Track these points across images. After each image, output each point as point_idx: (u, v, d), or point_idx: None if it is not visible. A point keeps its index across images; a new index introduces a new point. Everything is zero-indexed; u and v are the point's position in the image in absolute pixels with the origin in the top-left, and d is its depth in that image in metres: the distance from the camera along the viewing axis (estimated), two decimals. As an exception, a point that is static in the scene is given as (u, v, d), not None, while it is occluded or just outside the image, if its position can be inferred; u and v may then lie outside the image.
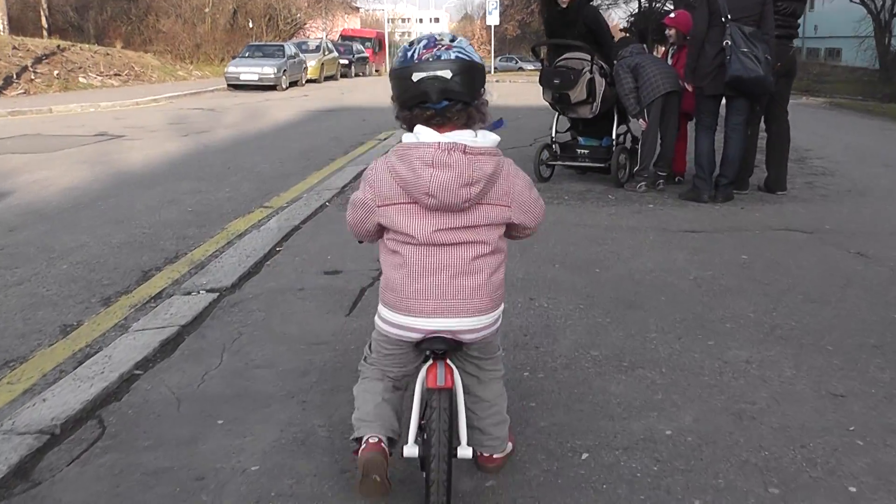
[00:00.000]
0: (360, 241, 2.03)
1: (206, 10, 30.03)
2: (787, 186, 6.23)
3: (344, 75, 28.84)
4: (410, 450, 1.84)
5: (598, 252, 4.42)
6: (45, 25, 26.91)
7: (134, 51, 25.07)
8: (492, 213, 1.81)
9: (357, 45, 33.82)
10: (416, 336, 1.85)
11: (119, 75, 20.80)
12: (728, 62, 5.32)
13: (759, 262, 4.23)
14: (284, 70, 21.06)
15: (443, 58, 1.74)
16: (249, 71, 20.36)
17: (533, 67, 35.42)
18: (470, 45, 1.84)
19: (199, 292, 3.70)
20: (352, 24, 49.35)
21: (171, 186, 6.64)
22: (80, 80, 18.99)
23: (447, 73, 1.73)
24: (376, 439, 1.89)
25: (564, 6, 6.35)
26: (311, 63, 24.36)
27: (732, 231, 4.95)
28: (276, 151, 8.87)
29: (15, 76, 17.01)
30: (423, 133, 1.77)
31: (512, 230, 1.92)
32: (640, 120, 6.09)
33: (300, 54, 23.53)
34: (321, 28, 41.09)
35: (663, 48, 7.18)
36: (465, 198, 1.75)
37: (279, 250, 4.45)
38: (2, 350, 3.20)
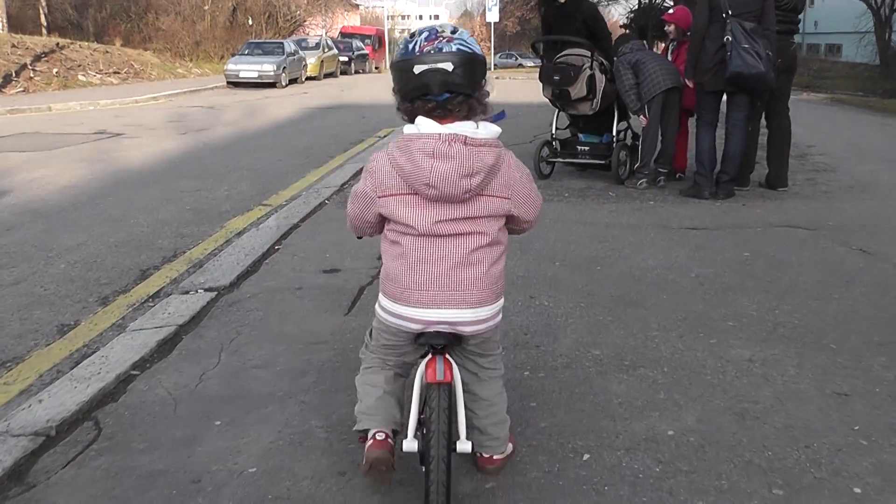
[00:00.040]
0: (359, 237, 2.03)
1: (206, 7, 29.98)
2: (789, 183, 6.20)
3: (344, 72, 28.80)
4: (410, 444, 1.84)
5: (599, 249, 4.39)
6: (45, 23, 26.88)
7: (133, 48, 25.02)
8: (492, 204, 1.81)
9: (357, 43, 33.73)
10: (415, 327, 1.85)
11: (118, 73, 20.76)
12: (729, 58, 5.29)
13: (760, 260, 4.20)
14: (284, 67, 21.02)
15: (444, 50, 1.74)
16: (249, 68, 20.32)
17: (533, 64, 35.40)
18: (471, 36, 1.83)
19: (197, 291, 3.68)
20: (351, 21, 49.27)
21: (170, 185, 6.62)
22: (80, 78, 18.95)
23: (448, 66, 1.73)
24: (383, 436, 1.92)
25: (563, 1, 6.31)
26: (311, 60, 24.31)
27: (734, 228, 4.92)
28: (276, 149, 8.84)
29: (14, 74, 16.98)
30: (424, 124, 1.77)
31: (509, 223, 1.91)
32: (641, 116, 6.06)
33: (300, 51, 23.48)
34: (321, 25, 41.00)
35: (663, 45, 7.14)
36: (465, 188, 1.75)
37: (278, 249, 4.42)
38: (-2, 350, 3.18)
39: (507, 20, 49.31)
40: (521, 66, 41.52)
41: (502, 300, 1.92)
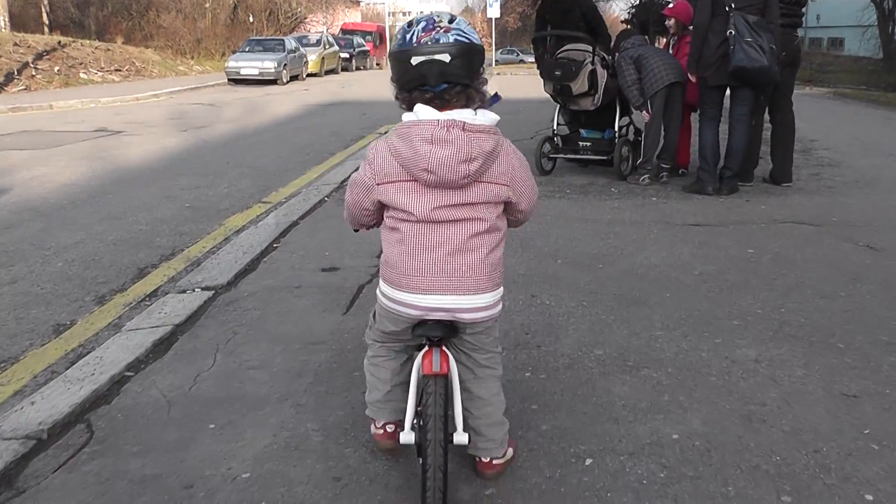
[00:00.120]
0: (356, 230, 2.04)
1: (207, 5, 29.94)
2: (793, 178, 6.13)
3: (345, 69, 28.81)
4: (407, 436, 1.85)
5: (601, 247, 4.33)
6: (47, 22, 26.88)
7: (135, 46, 25.02)
8: (490, 191, 1.81)
9: (358, 39, 33.76)
10: (415, 313, 1.85)
11: (120, 71, 20.75)
12: (732, 52, 5.22)
13: (765, 256, 4.14)
14: (285, 64, 21.00)
15: (441, 41, 1.74)
16: (250, 65, 20.31)
17: (534, 60, 35.24)
18: (468, 24, 1.82)
19: (194, 290, 3.63)
20: (352, 17, 49.16)
21: (169, 182, 6.58)
22: (81, 76, 18.93)
23: (446, 57, 1.73)
24: (392, 427, 2.08)
25: None
26: (312, 57, 24.30)
27: (738, 224, 4.86)
28: (276, 146, 8.80)
29: (16, 72, 16.98)
30: (422, 111, 1.78)
31: (506, 210, 1.91)
32: (644, 112, 6.00)
33: (301, 48, 23.48)
34: (322, 22, 40.96)
35: (665, 40, 7.07)
36: (463, 174, 1.75)
37: (276, 247, 4.38)
38: (-7, 351, 3.14)
39: (508, 16, 49.24)
40: (522, 62, 41.41)
41: (501, 290, 1.91)
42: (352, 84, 20.98)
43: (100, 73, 19.66)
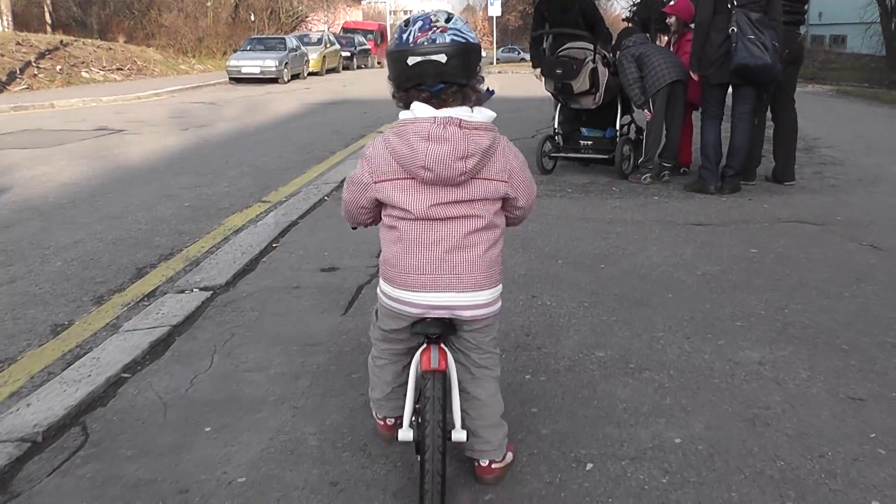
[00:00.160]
0: (354, 227, 2.05)
1: (209, 3, 29.93)
2: (796, 177, 6.09)
3: (346, 67, 28.81)
4: (405, 434, 1.85)
5: (603, 247, 4.30)
6: (49, 21, 26.92)
7: (136, 45, 25.04)
8: (488, 187, 1.81)
9: (359, 38, 33.77)
10: (415, 311, 1.85)
11: (121, 70, 20.74)
12: (734, 50, 5.17)
13: (768, 256, 4.10)
14: (286, 63, 20.98)
15: (437, 41, 1.74)
16: (251, 64, 20.30)
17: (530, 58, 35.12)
18: (465, 23, 1.82)
19: (192, 290, 3.61)
20: (354, 16, 49.12)
21: (169, 181, 6.56)
22: (83, 74, 18.93)
23: (442, 58, 1.73)
24: (392, 421, 2.14)
25: None
26: (313, 56, 24.28)
27: (740, 224, 4.82)
28: (276, 145, 8.77)
29: (18, 72, 16.99)
30: (419, 109, 1.78)
31: (505, 206, 1.90)
32: (646, 110, 5.96)
33: (302, 47, 23.45)
34: (323, 21, 40.95)
35: (666, 37, 7.03)
36: (460, 171, 1.75)
37: (275, 246, 4.35)
38: (-10, 352, 3.12)
39: (509, 14, 49.19)
40: (523, 60, 41.29)
41: (500, 287, 1.91)
42: (353, 83, 20.96)
43: (101, 72, 19.66)
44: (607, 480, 2.04)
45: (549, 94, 6.48)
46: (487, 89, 1.87)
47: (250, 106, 13.77)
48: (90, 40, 22.49)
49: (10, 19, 22.18)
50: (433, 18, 1.78)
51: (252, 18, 32.50)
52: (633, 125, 6.54)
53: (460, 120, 1.75)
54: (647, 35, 6.83)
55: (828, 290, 3.55)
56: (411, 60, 1.74)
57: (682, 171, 6.42)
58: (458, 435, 1.86)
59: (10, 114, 12.43)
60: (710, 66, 5.41)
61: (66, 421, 2.39)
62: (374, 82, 20.09)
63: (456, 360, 1.93)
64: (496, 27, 37.22)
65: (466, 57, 1.76)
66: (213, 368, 2.77)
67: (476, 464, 2.02)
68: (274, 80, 20.31)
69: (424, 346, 1.88)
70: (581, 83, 5.98)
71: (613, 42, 6.52)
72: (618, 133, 6.26)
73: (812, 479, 2.05)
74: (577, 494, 1.99)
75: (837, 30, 30.58)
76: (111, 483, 2.07)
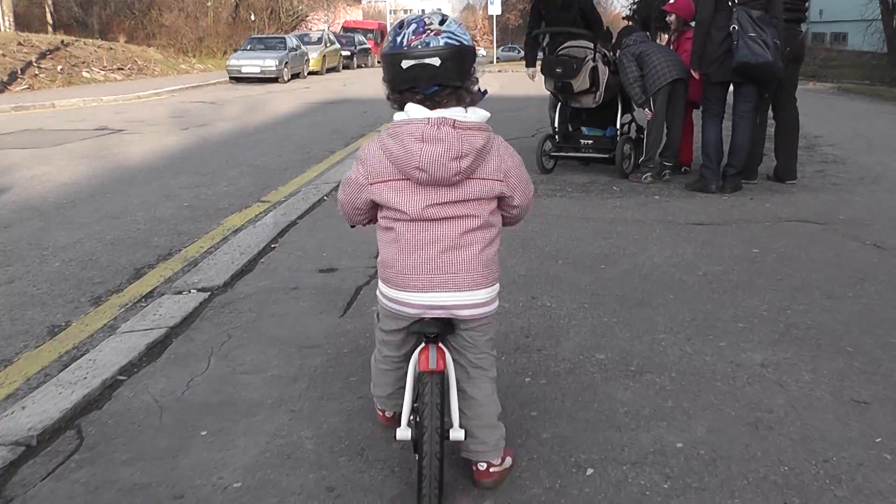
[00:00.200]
0: (352, 226, 2.05)
1: (209, 3, 29.92)
2: (798, 175, 6.06)
3: (346, 67, 28.78)
4: (403, 433, 1.85)
5: (603, 247, 4.26)
6: (50, 21, 26.95)
7: (137, 45, 25.02)
8: (483, 187, 1.82)
9: (359, 37, 33.72)
10: (413, 311, 1.86)
11: (122, 69, 20.72)
12: (735, 47, 5.15)
13: (770, 256, 4.07)
14: (286, 62, 20.96)
15: (431, 45, 1.74)
16: (251, 63, 20.28)
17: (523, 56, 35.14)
18: (460, 25, 1.81)
19: (190, 292, 3.58)
20: (354, 15, 49.11)
21: (169, 181, 6.54)
22: (84, 74, 18.91)
23: (436, 61, 1.73)
24: (392, 414, 2.20)
25: None
26: (313, 55, 24.25)
27: (742, 223, 4.79)
28: (276, 144, 8.75)
29: (19, 72, 16.97)
30: (413, 110, 1.78)
31: (501, 206, 1.90)
32: (646, 109, 5.93)
33: (302, 46, 23.43)
34: (323, 20, 40.92)
35: (666, 36, 7.00)
36: (454, 171, 1.75)
37: (274, 247, 4.32)
38: (-14, 353, 3.09)
39: (509, 13, 49.14)
40: (523, 59, 41.30)
41: (497, 286, 1.91)
42: (353, 82, 20.92)
43: (102, 72, 19.64)
44: (608, 486, 2.01)
45: (549, 93, 6.45)
46: (480, 89, 1.87)
47: (250, 105, 13.75)
48: (91, 40, 22.48)
49: (11, 20, 22.18)
50: (427, 21, 1.77)
51: (252, 18, 32.48)
52: (633, 124, 6.51)
53: (454, 120, 1.75)
54: (648, 33, 6.79)
55: (830, 291, 3.52)
56: (405, 64, 1.74)
57: (683, 170, 6.38)
58: (457, 434, 1.86)
59: (11, 114, 12.43)
60: (711, 64, 5.38)
61: (61, 424, 2.36)
62: (374, 81, 20.00)
63: (453, 360, 1.93)
64: (496, 26, 37.16)
65: (460, 60, 1.76)
66: (209, 371, 2.74)
67: (474, 467, 1.99)
68: (274, 80, 20.28)
69: (423, 345, 1.87)
70: (581, 82, 5.95)
71: (613, 41, 6.50)
72: (618, 132, 6.23)
73: (816, 485, 2.01)
74: (578, 500, 1.96)
75: (838, 27, 30.52)
76: (106, 488, 2.04)
